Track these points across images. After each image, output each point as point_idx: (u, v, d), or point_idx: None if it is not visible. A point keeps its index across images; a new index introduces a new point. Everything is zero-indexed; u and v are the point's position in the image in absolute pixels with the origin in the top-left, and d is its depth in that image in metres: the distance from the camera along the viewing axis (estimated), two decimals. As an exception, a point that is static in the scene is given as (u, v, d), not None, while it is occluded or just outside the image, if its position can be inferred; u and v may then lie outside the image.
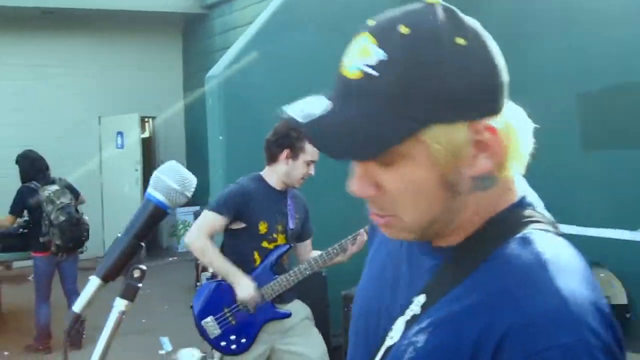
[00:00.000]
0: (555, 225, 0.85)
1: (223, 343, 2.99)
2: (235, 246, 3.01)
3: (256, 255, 3.00)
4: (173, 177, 0.97)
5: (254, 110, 4.70)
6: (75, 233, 5.15)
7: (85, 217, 5.36)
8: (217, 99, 4.65)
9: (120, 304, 0.95)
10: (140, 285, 0.96)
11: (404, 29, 0.75)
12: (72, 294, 5.38)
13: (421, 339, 0.80)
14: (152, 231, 0.97)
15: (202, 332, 3.02)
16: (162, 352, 3.79)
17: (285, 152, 2.96)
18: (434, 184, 0.78)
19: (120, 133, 9.55)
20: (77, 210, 5.28)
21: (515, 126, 0.80)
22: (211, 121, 4.80)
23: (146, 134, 10.52)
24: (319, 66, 4.67)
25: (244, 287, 2.90)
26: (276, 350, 3.06)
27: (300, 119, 0.77)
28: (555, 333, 0.72)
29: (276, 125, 3.01)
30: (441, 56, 0.74)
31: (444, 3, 0.78)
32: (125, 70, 9.77)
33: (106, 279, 0.95)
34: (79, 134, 9.56)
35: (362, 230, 2.95)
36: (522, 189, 0.87)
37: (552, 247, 0.80)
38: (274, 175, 3.03)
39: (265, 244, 3.00)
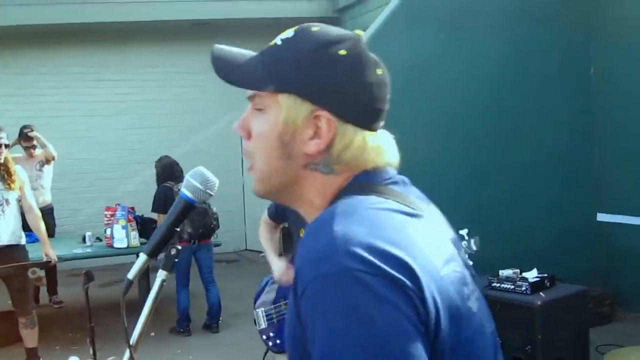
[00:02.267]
0: (388, 192, 0.97)
1: (264, 337, 3.21)
2: (290, 245, 3.36)
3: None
4: (199, 180, 1.27)
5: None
6: (204, 221, 5.72)
7: (213, 208, 5.92)
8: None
9: (161, 274, 1.27)
10: (176, 260, 1.27)
11: (314, 29, 1.01)
12: (208, 283, 5.97)
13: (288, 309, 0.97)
14: (184, 219, 1.29)
15: (254, 321, 3.28)
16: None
17: None
18: (274, 141, 0.99)
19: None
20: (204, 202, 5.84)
21: (373, 143, 1.00)
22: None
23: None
24: (435, 65, 4.88)
25: (275, 265, 3.18)
26: None
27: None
28: (320, 265, 0.84)
29: None
30: (318, 51, 0.97)
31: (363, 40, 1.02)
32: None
33: (150, 255, 1.26)
34: (224, 135, 10.35)
35: None
36: (377, 174, 1.01)
37: (349, 202, 0.93)
38: None
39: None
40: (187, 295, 5.89)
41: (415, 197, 1.04)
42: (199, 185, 1.26)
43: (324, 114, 0.96)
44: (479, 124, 5.02)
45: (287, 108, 0.98)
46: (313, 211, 1.01)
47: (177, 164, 6.27)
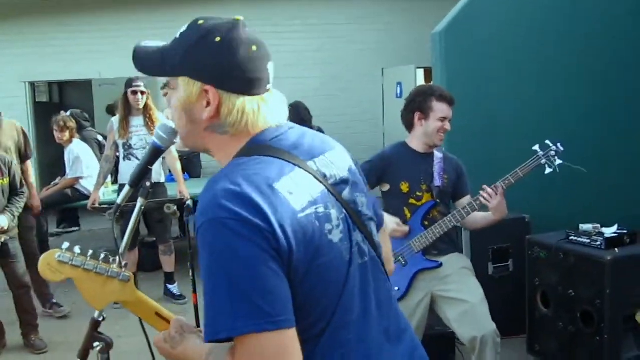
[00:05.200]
0: (265, 149, 1.26)
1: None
2: (390, 205, 3.40)
3: (406, 212, 3.34)
4: (163, 130, 1.65)
5: (476, 67, 5.03)
6: None
7: None
8: (438, 55, 5.04)
9: (140, 201, 1.68)
10: (150, 190, 1.67)
11: (200, 22, 1.29)
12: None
13: None
14: (155, 161, 1.68)
15: None
16: None
17: (417, 115, 3.33)
18: (181, 111, 1.32)
19: (399, 83, 10.39)
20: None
21: (255, 106, 1.28)
22: (435, 76, 5.24)
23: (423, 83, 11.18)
24: (541, 24, 4.84)
25: (388, 222, 3.15)
26: (435, 296, 3.29)
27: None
28: (202, 216, 1.15)
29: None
30: (199, 41, 1.26)
31: (242, 21, 1.29)
32: (406, 25, 10.52)
33: (132, 185, 1.68)
34: (364, 84, 10.66)
35: (498, 183, 3.16)
36: (264, 134, 1.30)
37: (232, 164, 1.24)
38: (415, 139, 3.40)
39: (412, 201, 3.34)
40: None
41: (301, 148, 1.32)
42: (163, 135, 1.63)
43: (210, 89, 1.26)
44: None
45: (184, 87, 1.29)
46: (223, 165, 1.31)
47: (307, 108, 6.66)
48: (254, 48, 1.28)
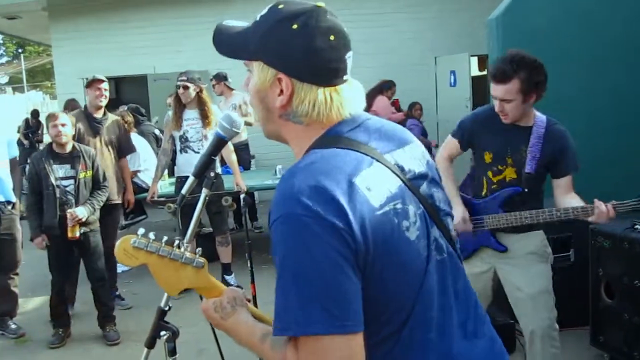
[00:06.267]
0: (344, 142, 1.21)
1: None
2: (474, 169, 3.23)
3: (484, 181, 3.14)
4: (227, 121, 1.65)
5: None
6: None
7: None
8: (495, 41, 4.95)
9: (204, 191, 1.69)
10: (214, 181, 1.69)
11: (280, 6, 1.25)
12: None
13: None
14: (219, 152, 1.69)
15: None
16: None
17: None
18: (257, 97, 1.29)
19: (452, 72, 10.26)
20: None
21: (319, 99, 1.23)
22: (491, 61, 5.15)
23: (475, 72, 11.01)
24: (599, 13, 4.69)
25: (456, 214, 3.08)
26: (498, 274, 3.19)
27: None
28: (278, 209, 1.12)
29: None
30: (276, 26, 1.22)
31: (323, 8, 1.25)
32: (458, 12, 10.36)
33: (196, 176, 1.69)
34: (416, 73, 10.56)
35: (597, 203, 2.82)
36: (340, 125, 1.26)
37: (312, 157, 1.19)
38: None
39: (490, 174, 3.10)
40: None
41: (379, 141, 1.27)
42: (227, 126, 1.64)
43: (283, 77, 1.23)
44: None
45: (258, 72, 1.26)
46: (298, 157, 1.29)
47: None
48: (332, 38, 1.23)
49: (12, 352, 4.75)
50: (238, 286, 5.74)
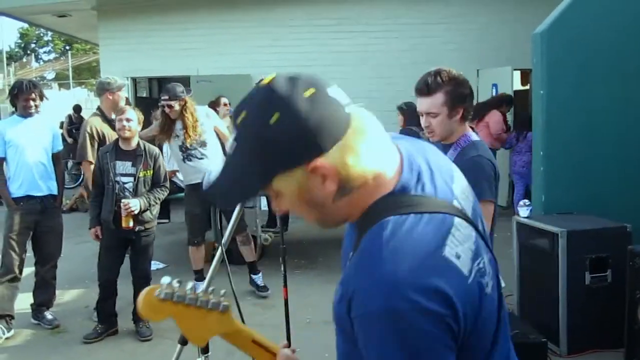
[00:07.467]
0: (419, 204, 1.07)
1: None
2: None
3: None
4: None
5: (579, 69, 4.87)
6: None
7: None
8: (540, 55, 4.91)
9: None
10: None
11: (241, 118, 1.05)
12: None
13: (335, 298, 1.08)
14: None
15: None
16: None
17: None
18: (303, 207, 1.10)
19: (495, 85, 10.14)
20: None
21: (354, 146, 1.04)
22: (535, 78, 5.11)
23: (518, 86, 10.86)
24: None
25: None
26: None
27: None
28: (372, 300, 0.98)
29: None
30: (259, 135, 1.02)
31: (271, 80, 1.05)
32: (502, 25, 10.27)
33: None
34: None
35: None
36: (405, 177, 1.10)
37: (398, 232, 1.03)
38: None
39: None
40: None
41: (441, 185, 1.13)
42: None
43: (312, 164, 1.03)
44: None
45: (286, 185, 1.06)
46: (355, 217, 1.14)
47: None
48: (310, 93, 1.03)
49: (46, 342, 4.83)
50: (264, 286, 5.88)
